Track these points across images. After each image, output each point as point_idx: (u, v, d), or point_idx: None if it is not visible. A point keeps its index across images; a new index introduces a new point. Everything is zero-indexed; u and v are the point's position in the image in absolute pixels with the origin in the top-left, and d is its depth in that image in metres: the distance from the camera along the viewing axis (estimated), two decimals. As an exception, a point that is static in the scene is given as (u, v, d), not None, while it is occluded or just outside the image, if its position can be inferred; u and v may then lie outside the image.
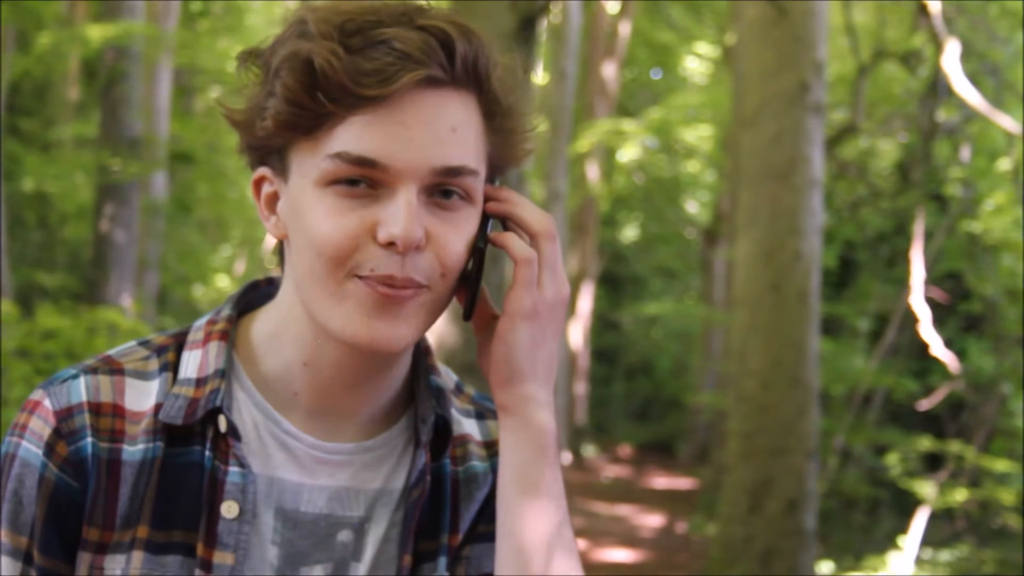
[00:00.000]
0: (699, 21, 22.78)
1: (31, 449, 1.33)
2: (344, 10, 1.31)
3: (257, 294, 1.51)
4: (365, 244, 1.31)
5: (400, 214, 1.29)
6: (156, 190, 15.82)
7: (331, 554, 1.42)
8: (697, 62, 23.45)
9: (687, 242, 24.08)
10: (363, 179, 1.31)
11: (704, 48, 22.66)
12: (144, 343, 1.44)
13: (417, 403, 1.50)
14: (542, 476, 1.42)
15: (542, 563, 1.39)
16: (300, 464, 1.42)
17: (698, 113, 19.67)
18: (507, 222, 1.45)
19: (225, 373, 1.40)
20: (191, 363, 1.41)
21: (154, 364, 1.41)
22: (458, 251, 1.37)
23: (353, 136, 1.29)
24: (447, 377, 1.55)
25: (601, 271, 22.97)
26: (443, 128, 1.32)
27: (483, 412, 1.57)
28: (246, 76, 1.37)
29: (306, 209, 1.32)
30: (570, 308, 18.52)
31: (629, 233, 25.49)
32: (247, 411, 1.41)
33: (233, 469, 1.37)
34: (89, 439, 1.34)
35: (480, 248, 1.41)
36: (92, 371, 1.38)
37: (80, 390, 1.36)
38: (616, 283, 25.57)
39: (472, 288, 1.43)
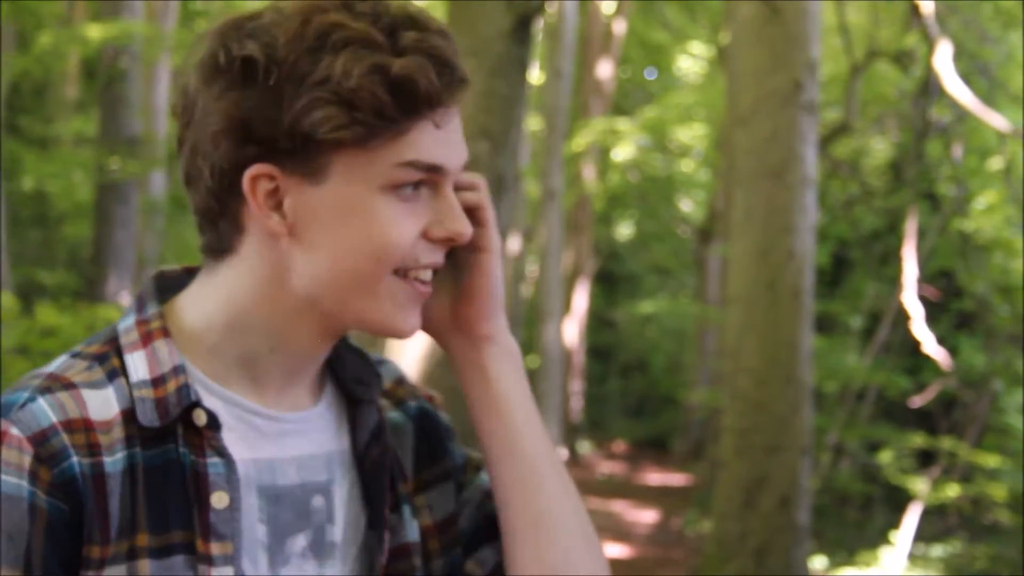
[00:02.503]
0: (693, 21, 22.80)
1: (12, 481, 1.27)
2: (369, 9, 1.35)
3: (168, 284, 1.49)
4: (417, 242, 1.39)
5: (456, 212, 1.41)
6: (155, 189, 15.84)
7: (309, 521, 1.44)
8: (691, 62, 23.48)
9: (681, 240, 24.11)
10: (421, 182, 1.38)
11: (698, 48, 22.69)
12: (76, 355, 1.40)
13: (344, 363, 1.54)
14: (527, 393, 1.54)
15: (549, 463, 1.53)
16: (269, 439, 1.43)
17: (692, 112, 19.69)
18: None
19: (183, 368, 1.38)
20: (139, 365, 1.38)
21: (99, 373, 1.38)
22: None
23: (424, 145, 1.36)
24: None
25: (596, 269, 22.99)
26: (460, 128, 1.44)
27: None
28: (239, 70, 1.35)
29: (365, 214, 1.35)
30: (565, 305, 18.57)
31: (624, 231, 25.52)
32: (208, 400, 1.40)
33: (213, 460, 1.36)
34: (74, 458, 1.30)
35: None
36: (47, 391, 1.33)
37: (46, 411, 1.31)
38: (611, 281, 25.60)
39: None
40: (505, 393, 1.51)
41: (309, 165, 1.35)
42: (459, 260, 1.50)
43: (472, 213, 1.48)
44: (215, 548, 1.35)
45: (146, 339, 1.40)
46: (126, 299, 13.79)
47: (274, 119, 1.33)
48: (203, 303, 1.44)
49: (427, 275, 1.42)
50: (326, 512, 1.46)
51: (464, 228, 1.40)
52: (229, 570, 1.35)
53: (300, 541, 1.43)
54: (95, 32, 13.51)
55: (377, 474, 1.49)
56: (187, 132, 1.40)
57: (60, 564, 1.28)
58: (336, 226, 1.36)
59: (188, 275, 1.49)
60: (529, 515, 1.50)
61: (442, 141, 1.37)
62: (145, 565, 1.32)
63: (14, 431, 1.28)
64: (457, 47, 1.38)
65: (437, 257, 1.42)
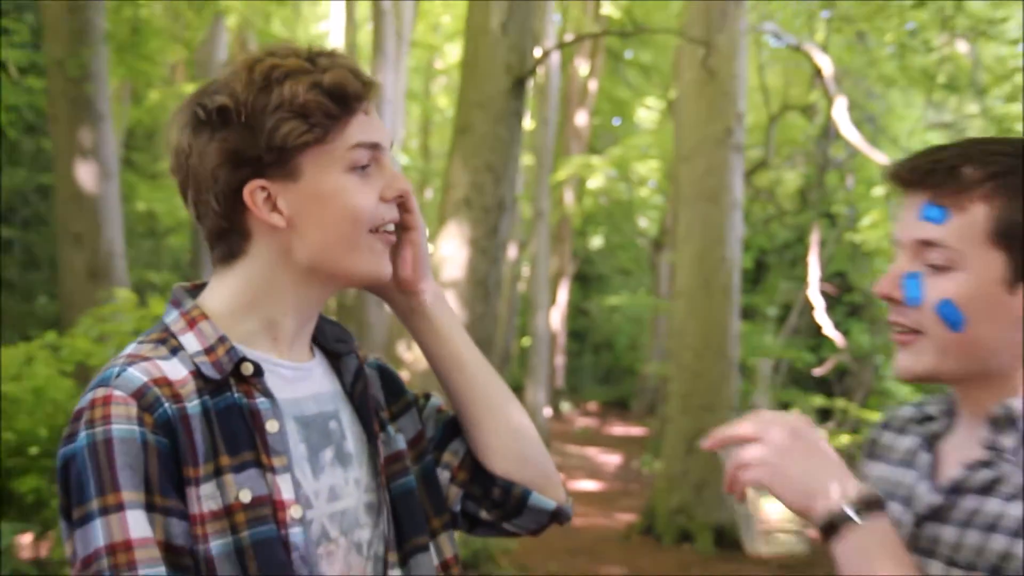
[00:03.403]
0: (649, 81, 22.77)
1: (124, 427, 1.31)
2: (289, 51, 1.44)
3: (193, 292, 1.54)
4: (378, 204, 1.46)
5: (398, 176, 1.48)
6: (237, 209, 15.79)
7: (331, 439, 1.49)
8: (647, 112, 23.43)
9: (640, 249, 24.08)
10: (370, 158, 1.45)
11: (652, 102, 22.64)
12: (141, 343, 1.45)
13: (324, 330, 1.59)
14: (459, 323, 1.64)
15: (485, 368, 1.62)
16: (292, 383, 1.48)
17: (648, 151, 19.67)
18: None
19: (226, 338, 1.44)
20: (191, 342, 1.43)
21: (163, 351, 1.42)
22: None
23: (360, 130, 1.43)
24: None
25: (575, 271, 22.96)
26: (380, 116, 1.50)
27: None
28: (216, 123, 1.41)
29: (340, 191, 1.42)
30: (551, 298, 18.55)
31: (596, 242, 25.46)
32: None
33: (261, 399, 1.42)
34: (165, 405, 1.35)
35: None
36: (132, 363, 1.38)
37: (137, 375, 1.36)
38: (586, 280, 25.55)
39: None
40: (446, 325, 1.61)
41: (287, 169, 1.42)
42: (397, 238, 1.56)
43: (401, 203, 1.54)
44: (276, 461, 1.40)
45: (191, 323, 1.45)
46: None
47: (254, 143, 1.40)
48: (223, 295, 1.48)
49: (391, 227, 1.49)
50: (340, 432, 1.51)
51: (406, 186, 1.48)
52: (287, 475, 1.40)
53: (328, 454, 1.48)
54: (191, 90, 13.47)
55: (364, 402, 1.55)
56: (187, 180, 1.47)
57: (171, 482, 1.33)
58: (320, 208, 1.43)
59: (198, 288, 1.54)
60: (482, 405, 1.60)
61: (373, 125, 1.45)
62: (230, 479, 1.36)
63: (118, 392, 1.33)
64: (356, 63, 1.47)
65: (394, 213, 1.48)
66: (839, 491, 1.32)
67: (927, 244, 1.39)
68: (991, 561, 1.31)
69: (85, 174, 8.44)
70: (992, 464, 1.38)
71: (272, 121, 1.38)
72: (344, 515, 1.47)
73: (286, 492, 1.39)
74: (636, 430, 19.03)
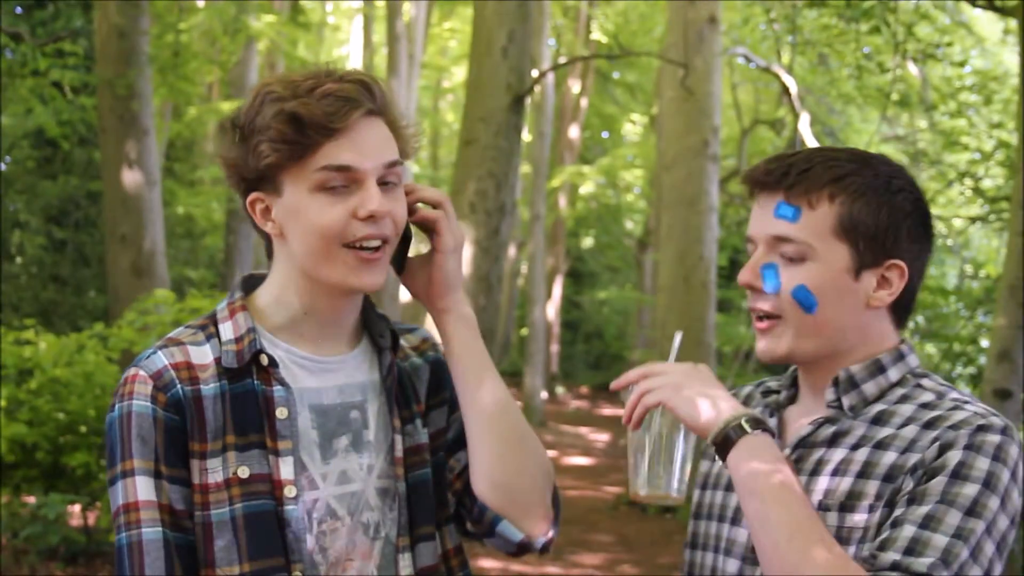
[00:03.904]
0: (634, 99, 22.76)
1: (141, 404, 1.38)
2: (294, 78, 1.41)
3: (251, 283, 1.54)
4: (350, 222, 1.40)
5: (373, 196, 1.40)
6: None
7: (349, 427, 1.48)
8: (632, 126, 23.40)
9: (626, 248, 24.06)
10: (341, 181, 1.39)
11: (637, 117, 22.62)
12: (189, 326, 1.49)
13: (371, 325, 1.55)
14: (478, 344, 1.53)
15: (490, 397, 1.51)
16: (314, 374, 1.48)
17: (633, 161, 19.67)
18: (414, 207, 1.54)
19: (254, 330, 1.45)
20: (227, 330, 1.46)
21: (201, 336, 1.46)
22: (403, 214, 1.46)
23: (331, 154, 1.38)
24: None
25: (568, 268, 22.93)
26: (382, 139, 1.43)
27: (400, 331, 1.61)
28: (228, 135, 1.43)
29: (305, 209, 1.41)
30: (547, 293, 18.53)
31: (587, 242, 25.44)
32: (272, 350, 1.46)
33: (277, 388, 1.43)
34: (179, 386, 1.39)
35: (407, 223, 1.51)
36: (163, 347, 1.43)
37: (162, 358, 1.41)
38: (578, 276, 25.52)
39: (404, 246, 1.54)
40: (458, 346, 1.52)
41: (274, 184, 1.42)
42: (430, 256, 1.53)
43: (430, 224, 1.52)
44: (280, 444, 1.42)
45: (232, 313, 1.48)
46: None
47: (247, 160, 1.41)
48: (265, 289, 1.51)
49: (372, 243, 1.42)
50: (361, 421, 1.49)
51: (379, 206, 1.39)
52: (290, 457, 1.42)
53: (343, 441, 1.47)
54: (226, 106, 13.47)
55: (391, 396, 1.52)
56: None
57: (177, 453, 1.38)
58: (295, 221, 1.42)
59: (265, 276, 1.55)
60: (476, 428, 1.51)
61: (350, 149, 1.39)
62: (232, 456, 1.40)
63: (142, 372, 1.40)
64: (363, 87, 1.41)
65: (371, 230, 1.40)
66: (731, 409, 1.34)
67: (781, 239, 1.42)
68: (840, 499, 1.36)
69: (130, 181, 8.44)
70: (835, 420, 1.43)
71: (255, 141, 1.40)
72: (353, 497, 1.46)
73: (285, 472, 1.41)
74: (623, 411, 18.99)
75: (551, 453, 12.54)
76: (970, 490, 1.27)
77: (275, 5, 14.78)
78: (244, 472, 1.39)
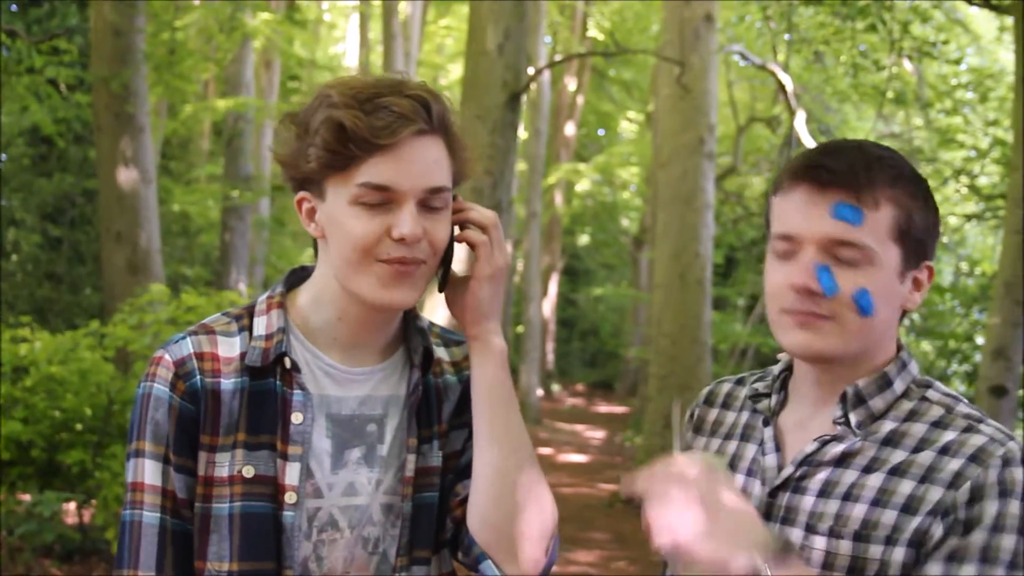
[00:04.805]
0: (630, 96, 22.75)
1: (160, 388, 1.39)
2: (355, 84, 1.37)
3: (297, 277, 1.53)
4: (383, 239, 1.37)
5: (407, 219, 1.36)
6: (263, 211, 15.79)
7: (364, 440, 1.46)
8: (628, 124, 23.40)
9: (622, 245, 24.07)
10: (380, 198, 1.36)
11: (633, 114, 22.62)
12: (226, 314, 1.48)
13: (408, 339, 1.53)
14: (501, 378, 1.48)
15: (509, 428, 1.46)
16: (338, 383, 1.46)
17: (629, 158, 19.67)
18: (465, 224, 1.50)
19: (285, 329, 1.44)
20: (260, 325, 1.45)
21: (234, 327, 1.46)
22: (443, 238, 1.42)
23: (373, 171, 1.35)
24: (424, 320, 1.57)
25: (564, 265, 22.94)
26: (429, 162, 1.38)
27: (448, 342, 1.59)
28: (288, 131, 1.42)
29: (342, 219, 1.38)
30: (542, 290, 18.54)
31: (583, 239, 25.45)
32: (301, 353, 1.45)
33: (297, 392, 1.42)
34: (198, 377, 1.40)
35: (451, 241, 1.47)
36: (194, 333, 1.43)
37: (188, 346, 1.42)
38: (574, 273, 25.53)
39: (446, 265, 1.50)
40: (478, 380, 1.47)
41: (318, 188, 1.41)
42: (466, 281, 1.49)
43: (474, 247, 1.48)
44: (291, 449, 1.41)
45: (268, 308, 1.47)
46: (243, 286, 13.76)
47: (297, 160, 1.40)
48: (308, 287, 1.50)
49: (406, 263, 1.37)
50: (377, 435, 1.47)
51: (411, 231, 1.35)
52: (298, 463, 1.41)
53: (356, 453, 1.45)
54: (221, 104, 13.47)
55: (411, 414, 1.49)
56: None
57: (186, 443, 1.39)
58: (334, 227, 1.40)
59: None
60: (478, 460, 1.46)
61: (393, 168, 1.35)
62: (240, 453, 1.39)
63: (167, 357, 1.41)
64: (421, 104, 1.37)
65: (403, 252, 1.37)
66: (748, 553, 1.19)
67: (840, 243, 1.34)
68: (854, 528, 1.31)
69: (126, 179, 8.42)
70: (842, 439, 1.38)
71: (306, 142, 1.39)
72: (357, 510, 1.45)
73: (290, 478, 1.40)
74: (619, 408, 19.04)
75: (546, 450, 12.57)
76: (1008, 543, 1.24)
77: (271, 3, 14.75)
78: (249, 472, 1.39)
